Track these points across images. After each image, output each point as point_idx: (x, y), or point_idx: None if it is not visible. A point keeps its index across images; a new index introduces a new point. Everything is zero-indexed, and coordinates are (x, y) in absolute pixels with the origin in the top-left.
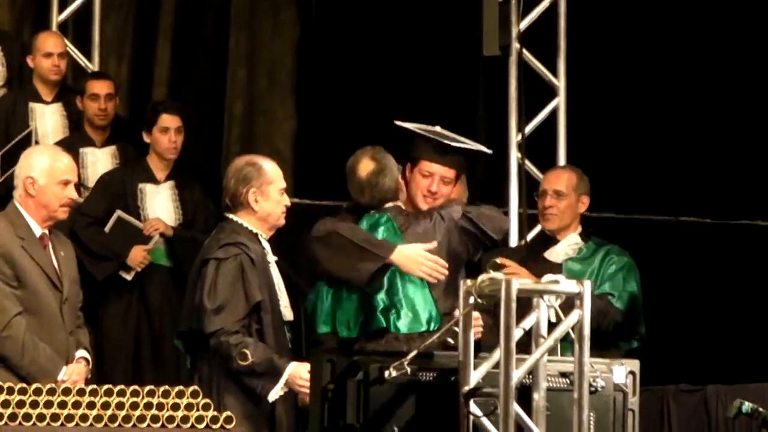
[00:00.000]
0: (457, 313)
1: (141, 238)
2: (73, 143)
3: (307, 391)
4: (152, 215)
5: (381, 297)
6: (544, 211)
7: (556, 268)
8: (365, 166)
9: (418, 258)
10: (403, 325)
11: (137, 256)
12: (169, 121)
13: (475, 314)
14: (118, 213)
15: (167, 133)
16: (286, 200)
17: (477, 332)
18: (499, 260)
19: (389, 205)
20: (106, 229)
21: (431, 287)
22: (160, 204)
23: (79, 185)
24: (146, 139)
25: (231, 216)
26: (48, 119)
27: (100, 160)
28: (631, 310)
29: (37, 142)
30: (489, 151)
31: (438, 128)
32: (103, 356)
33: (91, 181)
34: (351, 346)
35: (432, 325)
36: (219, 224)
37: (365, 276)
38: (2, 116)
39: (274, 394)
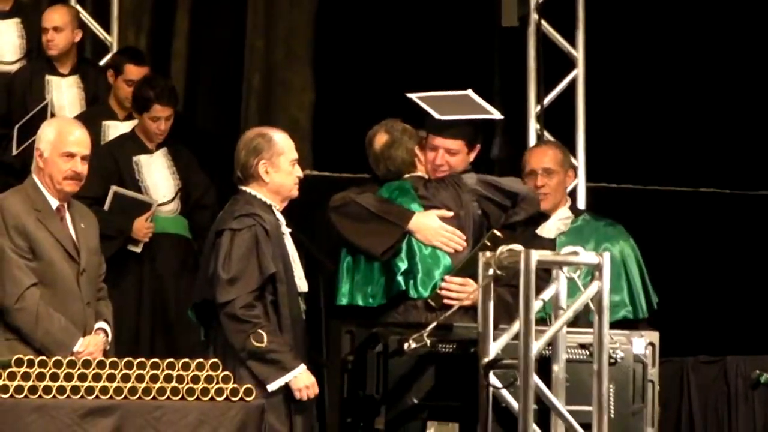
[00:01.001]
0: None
1: (141, 210)
2: (95, 116)
3: (303, 397)
4: (152, 186)
5: (400, 260)
6: (537, 191)
7: (548, 244)
8: (380, 139)
9: (435, 227)
10: (421, 288)
11: (141, 227)
12: (160, 111)
13: (470, 281)
14: (114, 189)
15: (157, 122)
16: (299, 171)
17: (470, 299)
18: (498, 233)
19: (409, 174)
20: (105, 207)
21: (453, 254)
22: (157, 173)
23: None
24: (136, 116)
25: (243, 188)
26: (64, 92)
27: (121, 133)
28: (650, 306)
29: (53, 115)
30: (500, 117)
31: (469, 92)
32: (118, 331)
33: None
34: (371, 315)
35: None
36: (232, 196)
37: (381, 248)
38: (19, 89)
39: (275, 385)
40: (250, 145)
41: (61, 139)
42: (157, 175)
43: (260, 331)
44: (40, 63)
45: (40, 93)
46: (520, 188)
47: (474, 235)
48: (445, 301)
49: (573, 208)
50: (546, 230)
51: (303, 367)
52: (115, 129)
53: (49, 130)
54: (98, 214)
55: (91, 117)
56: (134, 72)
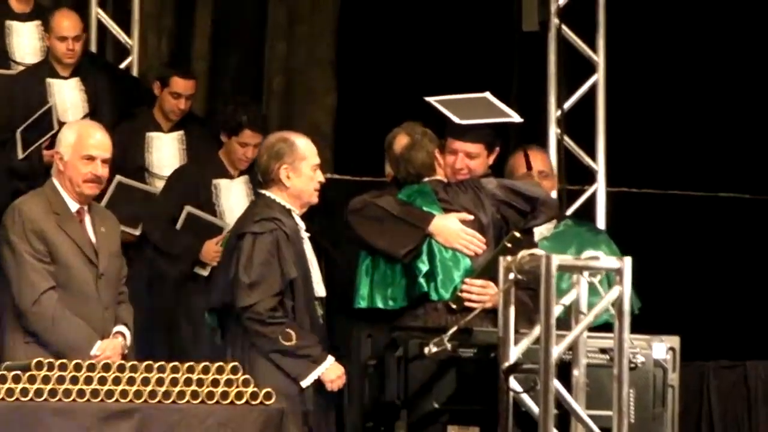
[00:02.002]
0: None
1: (213, 233)
2: (139, 127)
3: (335, 388)
4: (228, 211)
5: (421, 262)
6: None
7: None
8: (400, 141)
9: (455, 230)
10: (441, 290)
11: (210, 250)
12: (250, 137)
13: (490, 284)
14: (188, 209)
15: (244, 148)
16: (320, 177)
17: (491, 302)
18: (517, 233)
19: (429, 178)
20: (178, 226)
21: (473, 257)
22: (235, 199)
23: (112, 163)
24: (223, 138)
25: (264, 191)
26: (66, 95)
27: (166, 145)
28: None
29: (58, 118)
30: (519, 120)
31: (487, 95)
32: (185, 353)
33: (156, 166)
34: (391, 318)
35: None
36: (252, 200)
37: (403, 250)
38: (21, 92)
39: (309, 379)
40: (272, 150)
41: (82, 142)
42: (234, 201)
43: (288, 330)
44: (40, 66)
45: (42, 96)
46: (539, 193)
47: (494, 239)
48: (467, 303)
49: None
50: None
51: (332, 358)
52: (159, 140)
53: (70, 133)
54: (169, 232)
55: (136, 128)
56: (181, 85)
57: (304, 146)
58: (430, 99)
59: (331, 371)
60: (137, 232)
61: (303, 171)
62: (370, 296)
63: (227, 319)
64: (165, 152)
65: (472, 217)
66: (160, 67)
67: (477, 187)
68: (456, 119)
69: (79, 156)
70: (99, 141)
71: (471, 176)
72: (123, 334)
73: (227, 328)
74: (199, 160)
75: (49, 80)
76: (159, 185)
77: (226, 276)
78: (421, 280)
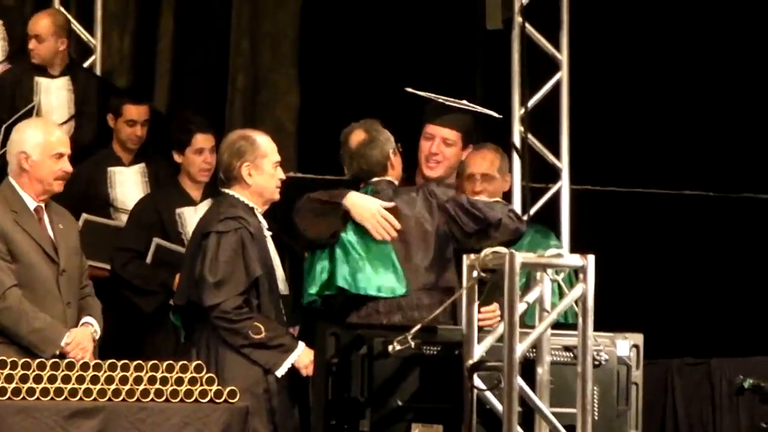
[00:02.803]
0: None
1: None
2: (100, 162)
3: (310, 373)
4: None
5: (340, 255)
6: (475, 196)
7: None
8: (356, 137)
9: (371, 209)
10: (362, 286)
11: None
12: (203, 140)
13: (494, 306)
14: (156, 241)
15: (202, 154)
16: (281, 174)
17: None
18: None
19: (379, 179)
20: (148, 259)
21: (410, 260)
22: None
23: (70, 159)
24: (177, 159)
25: (226, 190)
26: (54, 94)
27: (128, 179)
28: None
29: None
30: (498, 116)
31: (464, 102)
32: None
33: (120, 201)
34: (333, 316)
35: (395, 288)
36: (215, 198)
37: (327, 234)
38: (8, 89)
39: (284, 368)
40: (233, 148)
41: (49, 140)
42: None
43: (256, 323)
44: (30, 63)
45: (29, 94)
46: (493, 215)
47: (437, 248)
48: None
49: None
50: None
51: (302, 344)
52: (121, 175)
53: (35, 132)
54: (141, 268)
55: (96, 163)
56: (134, 112)
57: (265, 143)
58: (410, 89)
59: (303, 357)
60: (110, 266)
61: (264, 168)
62: (305, 291)
63: (192, 318)
64: (128, 186)
65: (393, 204)
66: (111, 99)
67: (430, 193)
68: (440, 99)
69: (50, 155)
70: (62, 138)
71: (444, 166)
72: (90, 324)
73: (192, 327)
74: (158, 189)
75: (37, 79)
76: (125, 219)
77: (191, 275)
78: (339, 274)
